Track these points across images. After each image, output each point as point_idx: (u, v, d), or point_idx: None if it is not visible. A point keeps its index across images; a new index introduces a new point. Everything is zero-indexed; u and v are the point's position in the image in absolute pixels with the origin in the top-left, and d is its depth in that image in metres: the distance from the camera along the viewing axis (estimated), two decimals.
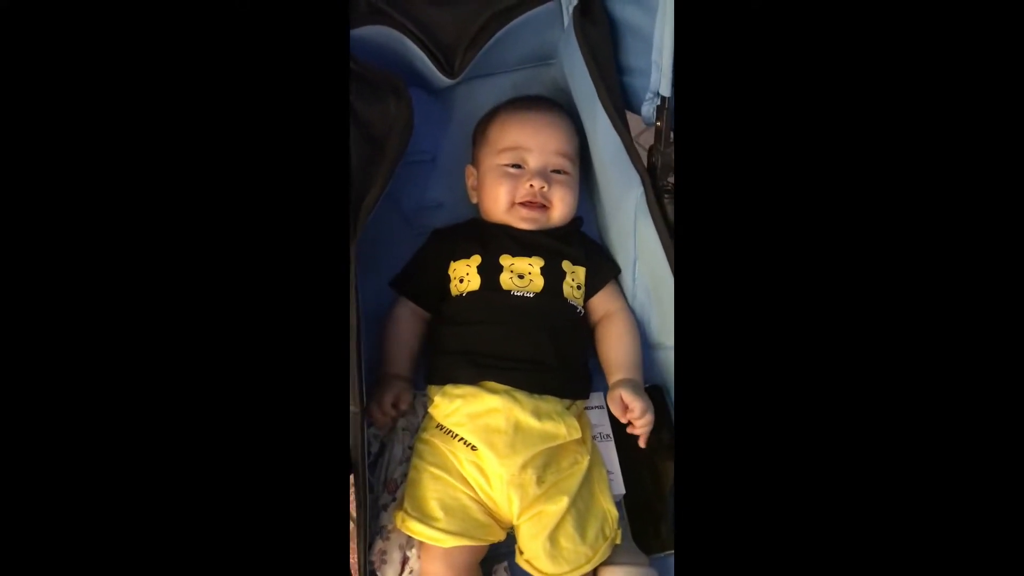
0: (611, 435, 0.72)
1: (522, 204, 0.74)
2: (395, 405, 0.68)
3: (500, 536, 0.65)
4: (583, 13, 0.74)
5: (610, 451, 0.71)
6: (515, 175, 0.75)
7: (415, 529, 0.62)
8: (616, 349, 0.73)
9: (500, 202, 0.75)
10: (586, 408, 0.72)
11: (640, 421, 0.67)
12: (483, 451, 0.64)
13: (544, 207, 0.75)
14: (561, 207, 0.75)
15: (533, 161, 0.75)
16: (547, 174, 0.75)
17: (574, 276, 0.74)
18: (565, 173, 0.76)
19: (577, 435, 0.66)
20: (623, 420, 0.68)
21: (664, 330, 0.72)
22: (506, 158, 0.75)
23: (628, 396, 0.67)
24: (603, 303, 0.75)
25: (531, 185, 0.74)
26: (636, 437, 0.71)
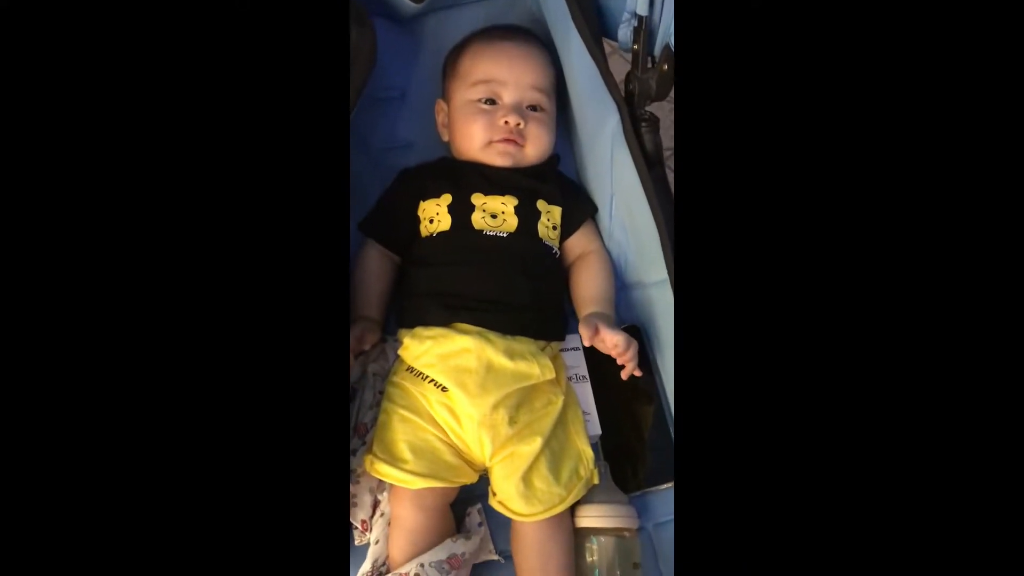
0: (587, 376, 0.70)
1: (497, 141, 0.71)
2: (360, 342, 0.66)
3: (472, 478, 0.63)
4: None
5: (586, 392, 0.69)
6: (489, 111, 0.71)
7: (384, 471, 0.61)
8: (589, 286, 0.70)
9: (475, 140, 0.71)
10: (562, 350, 0.70)
11: (627, 355, 0.65)
12: (454, 392, 0.62)
13: (518, 144, 0.71)
14: (537, 144, 0.72)
15: (508, 96, 0.71)
16: (523, 110, 0.71)
17: (549, 216, 0.71)
18: (541, 109, 0.72)
19: (551, 375, 0.65)
20: (602, 349, 0.66)
21: (642, 268, 0.69)
22: (479, 92, 0.71)
23: (606, 331, 0.64)
24: (578, 244, 0.72)
25: (506, 122, 0.70)
26: (614, 377, 0.69)
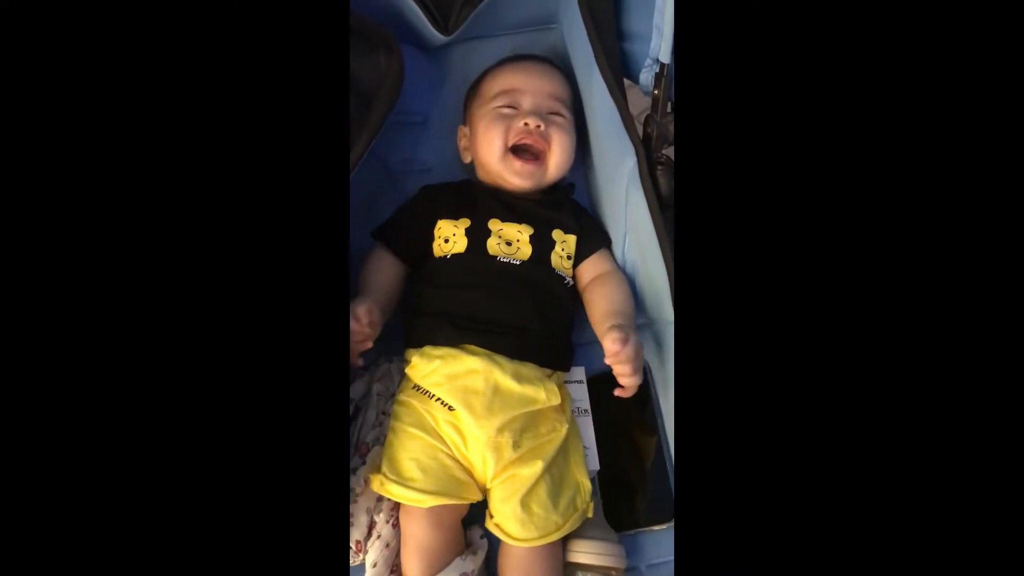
0: (589, 411, 0.71)
1: (516, 155, 0.72)
2: (362, 319, 0.62)
3: (478, 496, 0.64)
4: None
5: (587, 427, 0.70)
6: (509, 115, 0.72)
7: (394, 492, 0.61)
8: (608, 300, 0.69)
9: (494, 146, 0.72)
10: (566, 382, 0.71)
11: (629, 366, 0.62)
12: (460, 412, 0.62)
13: (540, 156, 0.72)
14: (559, 152, 0.73)
15: (527, 102, 0.73)
16: (543, 114, 0.73)
17: (564, 245, 0.72)
18: (561, 116, 0.74)
19: (557, 401, 0.65)
20: (618, 365, 0.63)
21: (650, 307, 0.70)
22: (500, 101, 0.73)
23: (616, 334, 0.61)
24: (593, 267, 0.72)
25: (526, 123, 0.71)
26: (615, 413, 0.70)
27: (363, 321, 0.62)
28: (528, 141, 0.72)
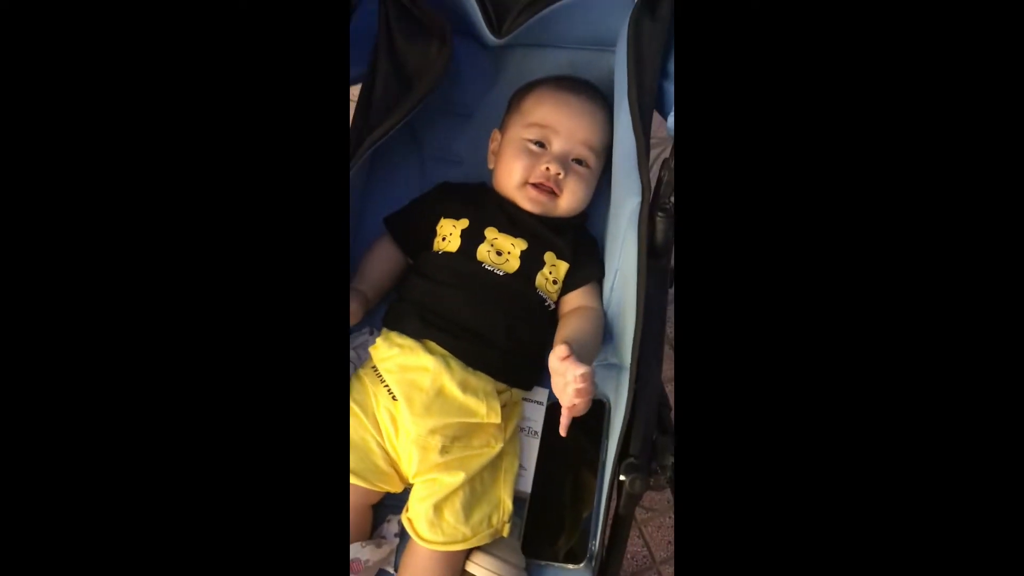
0: (539, 433, 0.71)
1: (533, 185, 0.73)
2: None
3: (397, 488, 0.66)
4: (646, 5, 0.70)
5: (532, 448, 0.70)
6: (535, 153, 0.73)
7: None
8: (573, 328, 0.68)
9: (513, 177, 0.74)
10: (525, 399, 0.71)
11: (582, 388, 0.57)
12: (401, 404, 0.65)
13: (553, 195, 0.73)
14: (571, 198, 0.73)
15: (557, 145, 0.73)
16: (567, 161, 0.73)
17: (553, 269, 0.72)
18: (586, 165, 0.74)
19: (496, 420, 0.66)
20: (558, 388, 0.59)
21: (620, 351, 0.69)
22: (532, 133, 0.74)
23: (574, 360, 0.56)
24: (576, 299, 0.72)
25: (547, 168, 0.72)
26: (565, 445, 0.69)
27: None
28: (545, 183, 0.72)
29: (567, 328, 0.69)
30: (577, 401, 0.58)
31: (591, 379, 0.57)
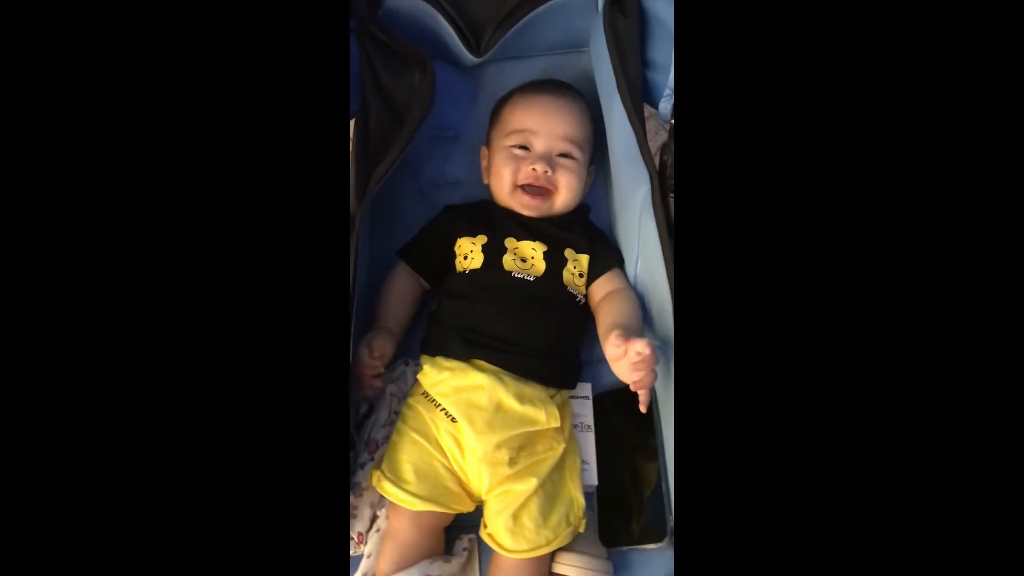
0: (592, 426, 0.72)
1: (523, 189, 0.75)
2: (371, 344, 0.67)
3: (468, 507, 0.67)
4: (614, 3, 0.73)
5: (588, 442, 0.71)
6: (520, 156, 0.76)
7: (388, 490, 0.65)
8: (615, 313, 0.69)
9: (504, 183, 0.76)
10: (571, 397, 0.73)
11: (647, 365, 0.60)
12: (462, 424, 0.65)
13: (546, 193, 0.75)
14: (566, 192, 0.76)
15: (539, 145, 0.76)
16: (551, 159, 0.75)
17: (576, 264, 0.74)
18: (572, 158, 0.76)
19: (556, 424, 0.67)
20: (621, 373, 0.62)
21: (658, 328, 0.71)
22: (513, 140, 0.76)
23: (634, 339, 0.60)
24: (605, 285, 0.74)
25: (533, 168, 0.74)
26: (618, 431, 0.72)
27: (375, 355, 0.67)
28: (535, 183, 0.75)
29: (607, 316, 0.70)
30: (645, 375, 0.61)
31: (652, 349, 0.60)
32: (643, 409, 0.64)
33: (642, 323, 0.71)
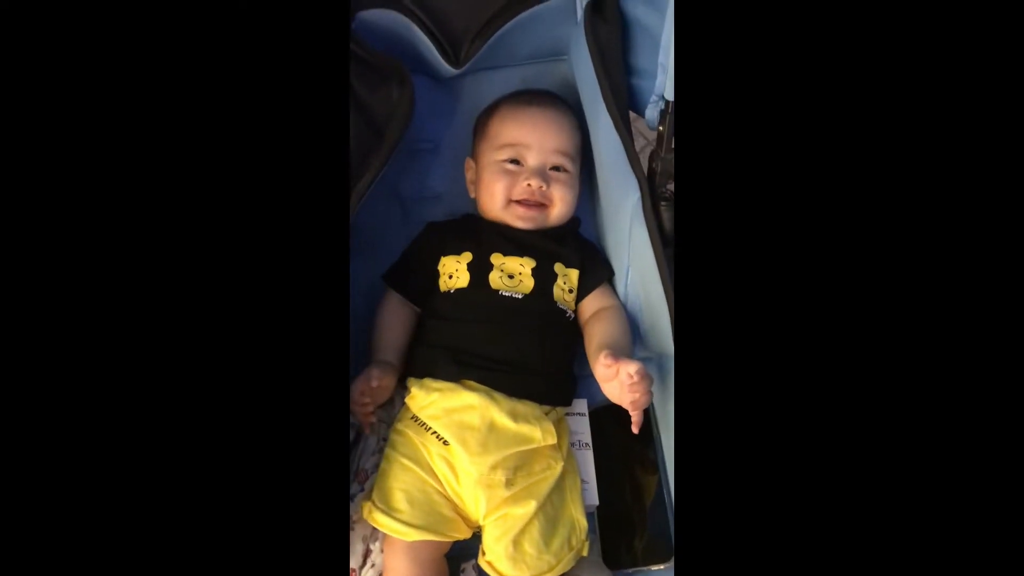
0: (590, 444, 0.70)
1: (518, 202, 0.73)
2: (368, 380, 0.64)
3: (465, 534, 0.64)
4: (595, 10, 0.72)
5: (587, 460, 0.69)
6: (513, 172, 0.74)
7: (380, 521, 0.61)
8: (604, 334, 0.68)
9: (497, 198, 0.74)
10: (567, 414, 0.71)
11: (640, 386, 0.60)
12: (455, 447, 0.63)
13: (542, 206, 0.74)
14: (561, 205, 0.74)
15: (532, 159, 0.74)
16: (545, 172, 0.74)
17: (566, 279, 0.72)
18: (565, 171, 0.75)
19: (552, 440, 0.65)
20: (612, 396, 0.62)
21: (651, 341, 0.70)
22: (504, 154, 0.74)
23: (623, 360, 0.60)
24: (595, 302, 0.73)
25: (528, 184, 0.73)
26: (616, 447, 0.69)
27: (372, 386, 0.64)
28: (530, 199, 0.73)
29: (597, 334, 0.69)
30: (639, 396, 0.60)
31: (645, 371, 0.60)
32: (635, 430, 0.63)
33: (631, 341, 0.70)
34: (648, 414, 0.71)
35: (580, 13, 0.77)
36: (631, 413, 0.62)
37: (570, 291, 0.72)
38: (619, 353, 0.62)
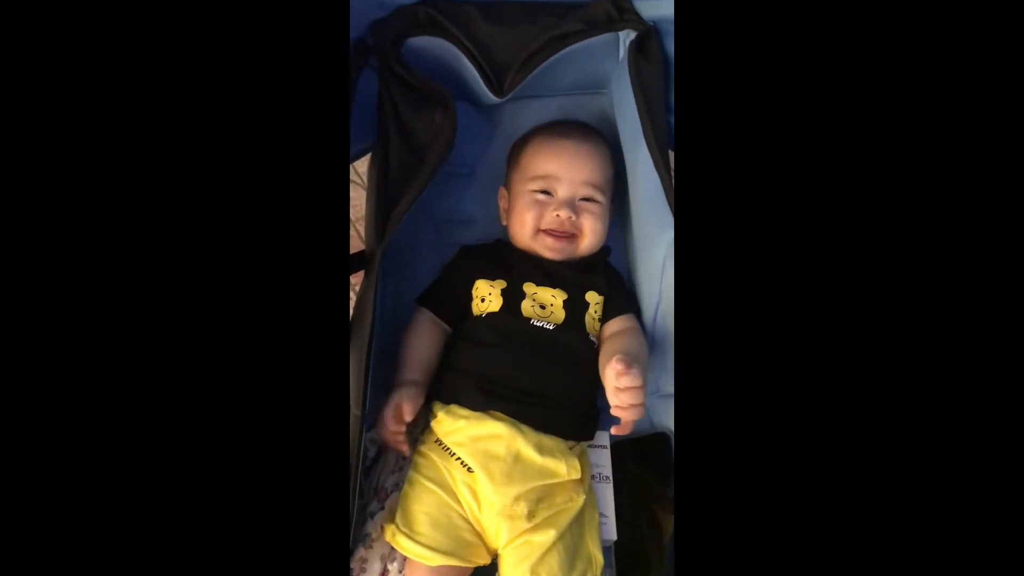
0: (610, 477, 0.70)
1: (547, 233, 0.74)
2: (399, 407, 0.64)
3: (486, 559, 0.64)
4: (639, 49, 0.73)
5: (607, 494, 0.69)
6: (543, 202, 0.75)
7: (403, 545, 0.62)
8: (616, 347, 0.68)
9: (527, 227, 0.75)
10: (589, 446, 0.71)
11: (635, 393, 0.61)
12: (479, 475, 0.63)
13: (572, 236, 0.74)
14: (591, 236, 0.75)
15: (562, 191, 0.75)
16: (575, 204, 0.74)
17: (597, 307, 0.73)
18: (595, 202, 0.75)
19: (577, 475, 0.65)
20: (616, 401, 0.62)
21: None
22: (535, 185, 0.75)
23: (618, 364, 0.60)
24: (615, 324, 0.73)
25: (558, 215, 0.73)
26: (637, 482, 0.69)
27: (407, 420, 0.64)
28: (558, 230, 0.74)
29: (611, 348, 0.69)
30: (632, 406, 0.61)
31: (641, 381, 0.61)
32: (613, 431, 0.65)
33: (647, 356, 0.70)
34: (668, 447, 0.71)
35: (623, 51, 0.78)
36: (620, 418, 0.63)
37: (599, 320, 0.73)
38: (633, 361, 0.62)
